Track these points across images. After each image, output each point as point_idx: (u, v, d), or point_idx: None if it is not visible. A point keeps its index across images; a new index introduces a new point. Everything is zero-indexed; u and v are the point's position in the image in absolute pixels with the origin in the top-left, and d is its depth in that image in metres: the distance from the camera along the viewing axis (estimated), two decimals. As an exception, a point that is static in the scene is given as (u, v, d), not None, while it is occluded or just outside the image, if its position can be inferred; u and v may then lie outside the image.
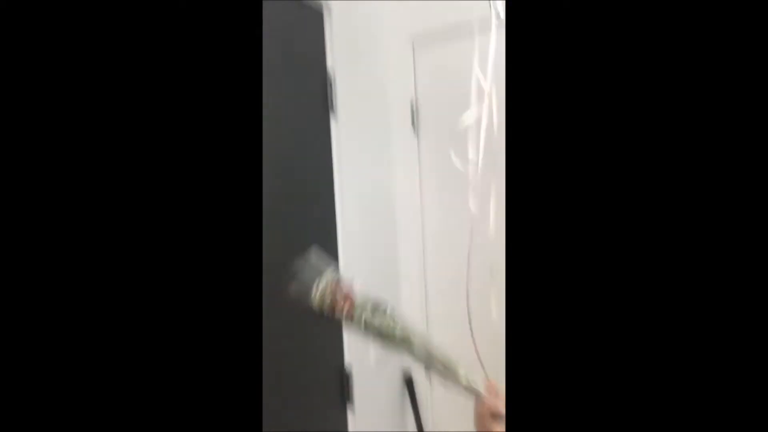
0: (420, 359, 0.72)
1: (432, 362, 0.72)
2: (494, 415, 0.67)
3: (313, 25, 1.31)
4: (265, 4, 1.13)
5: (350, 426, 1.37)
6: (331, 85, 1.34)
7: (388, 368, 1.58)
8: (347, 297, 0.74)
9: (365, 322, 0.72)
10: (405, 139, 1.62)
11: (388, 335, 0.72)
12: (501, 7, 0.73)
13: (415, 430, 1.64)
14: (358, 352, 1.41)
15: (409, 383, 1.66)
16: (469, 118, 0.76)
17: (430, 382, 1.65)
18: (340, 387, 1.36)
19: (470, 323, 0.80)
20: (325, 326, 1.32)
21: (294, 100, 1.22)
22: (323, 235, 1.32)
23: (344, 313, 0.73)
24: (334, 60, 1.34)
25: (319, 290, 0.73)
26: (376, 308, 0.74)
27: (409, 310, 1.58)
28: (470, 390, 0.70)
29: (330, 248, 1.33)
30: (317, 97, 1.31)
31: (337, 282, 0.74)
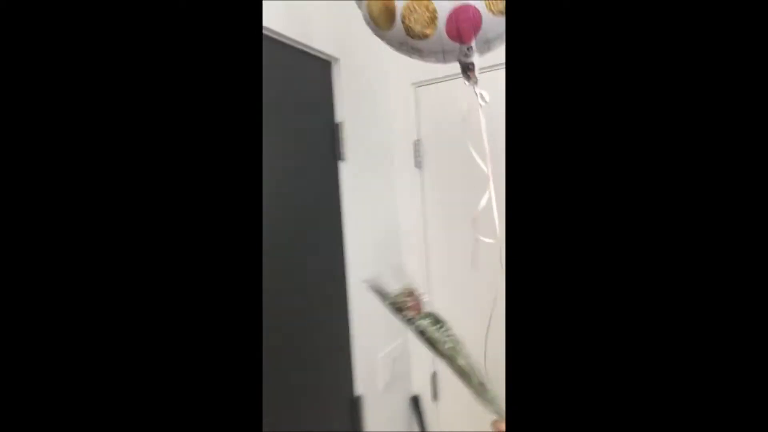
0: (461, 374, 0.85)
1: (471, 379, 0.85)
2: None
3: (323, 75, 1.41)
4: (277, 55, 1.24)
5: (362, 452, 1.45)
6: (339, 132, 1.43)
7: (396, 395, 1.66)
8: (417, 304, 0.88)
9: (424, 329, 0.86)
10: (409, 177, 1.71)
11: (438, 346, 0.86)
12: (485, 94, 0.82)
13: (423, 452, 1.71)
14: (368, 382, 1.49)
15: (416, 407, 1.74)
16: (481, 204, 0.86)
17: (437, 405, 1.73)
18: (351, 415, 1.45)
19: (485, 352, 0.89)
20: (335, 359, 1.41)
21: (304, 147, 1.31)
22: (334, 273, 1.41)
23: (409, 315, 0.87)
24: (342, 107, 1.44)
25: (396, 290, 0.88)
26: (437, 321, 0.88)
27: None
28: (498, 411, 0.82)
29: (339, 283, 1.42)
30: (326, 143, 1.41)
31: (412, 290, 0.88)
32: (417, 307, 0.88)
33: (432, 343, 0.87)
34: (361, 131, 1.53)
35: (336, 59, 1.42)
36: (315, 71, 1.37)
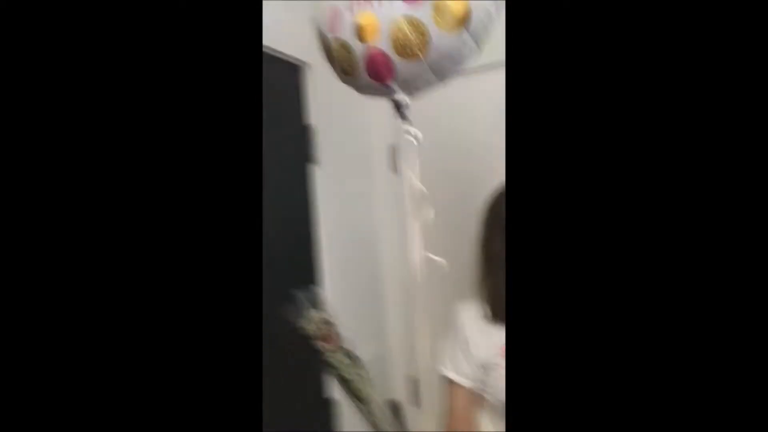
0: (367, 418, 0.88)
1: (379, 426, 0.89)
2: None
3: (294, 80, 1.38)
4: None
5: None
6: (312, 136, 1.41)
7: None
8: (331, 336, 0.88)
9: (336, 364, 0.86)
10: (385, 181, 1.69)
11: (348, 383, 0.87)
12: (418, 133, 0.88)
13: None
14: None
15: (395, 412, 1.71)
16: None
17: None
18: (327, 417, 1.42)
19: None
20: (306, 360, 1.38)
21: (275, 153, 1.30)
22: (307, 278, 1.39)
23: (324, 347, 0.87)
24: (316, 112, 1.43)
25: (311, 320, 0.87)
26: (351, 358, 0.88)
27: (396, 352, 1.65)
28: None
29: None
30: (299, 148, 1.39)
31: (329, 320, 0.88)
32: (333, 338, 0.88)
33: (343, 382, 0.88)
34: (336, 134, 1.52)
35: (308, 64, 1.39)
36: (286, 74, 1.35)
